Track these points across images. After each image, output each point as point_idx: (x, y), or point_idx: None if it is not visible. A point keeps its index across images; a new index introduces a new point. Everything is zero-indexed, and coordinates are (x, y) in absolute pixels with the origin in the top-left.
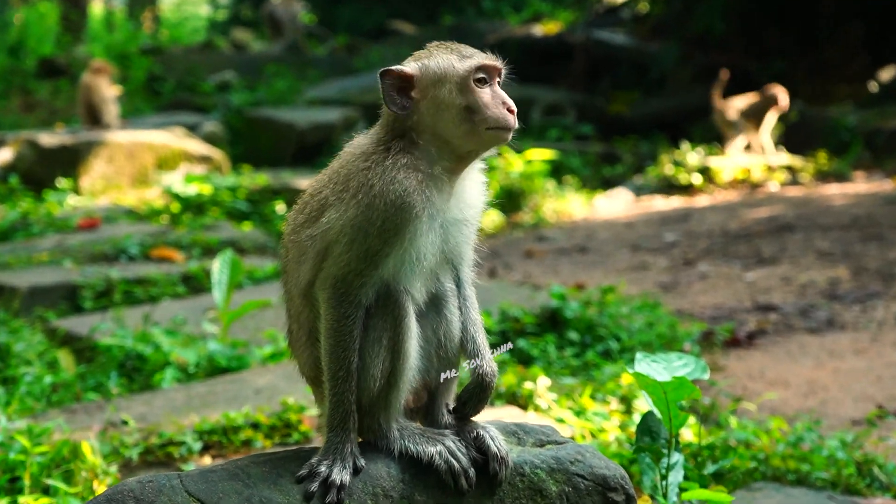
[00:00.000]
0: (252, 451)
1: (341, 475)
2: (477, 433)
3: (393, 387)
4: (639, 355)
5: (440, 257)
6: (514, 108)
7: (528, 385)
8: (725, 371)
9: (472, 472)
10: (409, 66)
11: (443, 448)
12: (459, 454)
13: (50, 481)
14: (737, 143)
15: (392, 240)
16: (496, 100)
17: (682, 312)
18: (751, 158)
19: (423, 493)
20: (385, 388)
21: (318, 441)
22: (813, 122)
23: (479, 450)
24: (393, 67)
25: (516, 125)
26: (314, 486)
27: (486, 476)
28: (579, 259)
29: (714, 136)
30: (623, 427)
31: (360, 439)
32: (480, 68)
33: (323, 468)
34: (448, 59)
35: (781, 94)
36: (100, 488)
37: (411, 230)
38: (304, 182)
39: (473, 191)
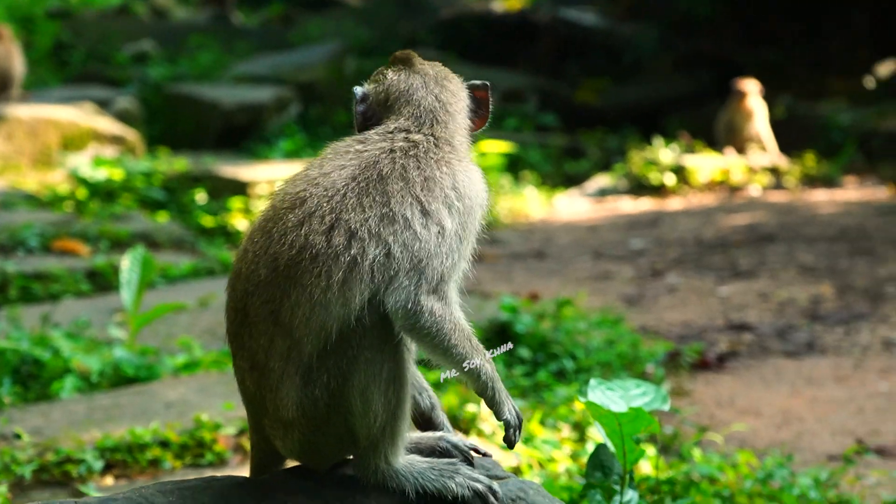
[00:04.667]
0: (160, 472)
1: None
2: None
3: (398, 418)
4: (592, 382)
5: None
6: None
7: (470, 408)
8: (692, 396)
9: (496, 486)
10: None
11: (461, 477)
12: (476, 475)
13: None
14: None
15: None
16: None
17: (646, 329)
18: (733, 159)
19: None
20: (390, 419)
21: (234, 462)
22: (802, 120)
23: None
24: None
25: None
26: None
27: None
28: (535, 266)
29: (692, 130)
30: (575, 457)
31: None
32: None
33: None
34: None
35: (746, 84)
36: None
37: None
38: (228, 169)
39: None
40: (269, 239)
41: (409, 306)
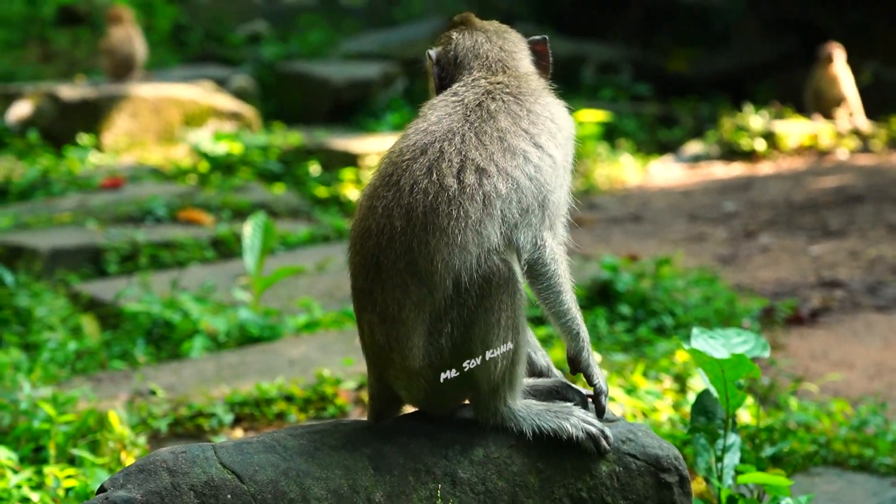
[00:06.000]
0: (286, 425)
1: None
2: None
3: (516, 364)
4: (695, 330)
5: None
6: None
7: None
8: (786, 350)
9: (607, 430)
10: None
11: (575, 419)
12: (590, 418)
13: (76, 451)
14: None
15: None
16: None
17: (741, 287)
18: (821, 124)
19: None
20: (509, 366)
21: (354, 415)
22: (888, 85)
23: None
24: None
25: None
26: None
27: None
28: (632, 229)
29: (780, 96)
30: (676, 407)
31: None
32: None
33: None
34: None
35: (835, 51)
36: (128, 459)
37: None
38: (340, 142)
39: None
40: (398, 191)
41: (536, 241)
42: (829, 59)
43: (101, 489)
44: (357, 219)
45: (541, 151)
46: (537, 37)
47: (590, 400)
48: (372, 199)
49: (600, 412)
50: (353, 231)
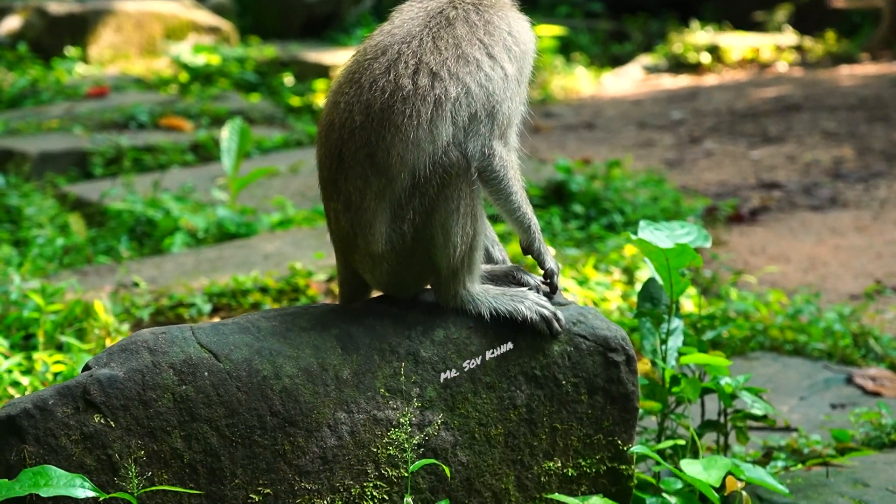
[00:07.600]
0: None
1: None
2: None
3: (474, 249)
4: (642, 223)
5: None
6: None
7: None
8: (728, 246)
9: (559, 312)
10: None
11: (530, 302)
12: (543, 301)
13: (63, 338)
14: None
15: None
16: None
17: (686, 188)
18: (760, 38)
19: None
20: (467, 251)
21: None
22: (824, 3)
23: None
24: None
25: None
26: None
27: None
28: (586, 135)
29: (723, 14)
30: (625, 297)
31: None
32: None
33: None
34: None
35: None
36: None
37: None
38: (312, 55)
39: None
40: (359, 88)
41: (485, 150)
42: None
43: (86, 367)
44: (323, 114)
45: (493, 62)
46: None
47: (544, 285)
48: (336, 95)
49: (553, 289)
50: (319, 126)
